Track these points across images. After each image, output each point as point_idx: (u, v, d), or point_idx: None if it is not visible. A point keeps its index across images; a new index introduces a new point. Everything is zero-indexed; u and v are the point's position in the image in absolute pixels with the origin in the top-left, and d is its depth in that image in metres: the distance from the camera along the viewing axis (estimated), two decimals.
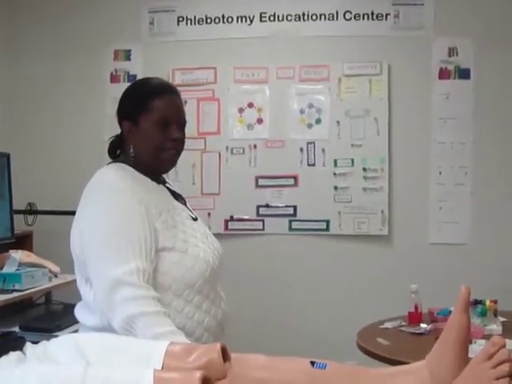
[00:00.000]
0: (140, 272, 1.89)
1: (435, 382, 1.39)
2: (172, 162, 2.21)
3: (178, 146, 2.18)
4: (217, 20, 4.63)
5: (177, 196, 2.27)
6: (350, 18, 4.53)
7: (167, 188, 2.26)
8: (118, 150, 2.24)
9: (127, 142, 2.17)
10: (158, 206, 2.06)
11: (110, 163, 2.19)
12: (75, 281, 2.14)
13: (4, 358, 1.39)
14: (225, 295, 2.23)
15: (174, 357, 1.40)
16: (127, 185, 2.05)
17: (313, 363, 1.41)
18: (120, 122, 2.19)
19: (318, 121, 4.54)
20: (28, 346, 1.50)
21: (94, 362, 1.35)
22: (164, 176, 2.31)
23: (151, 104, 2.12)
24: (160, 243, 2.01)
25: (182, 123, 2.19)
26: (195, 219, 2.23)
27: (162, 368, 1.37)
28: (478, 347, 2.33)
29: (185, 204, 2.29)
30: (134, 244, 1.93)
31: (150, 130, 2.11)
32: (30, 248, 4.14)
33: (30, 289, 3.28)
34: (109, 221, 1.98)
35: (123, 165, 2.14)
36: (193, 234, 2.11)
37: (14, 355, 1.42)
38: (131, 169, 2.13)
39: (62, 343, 1.48)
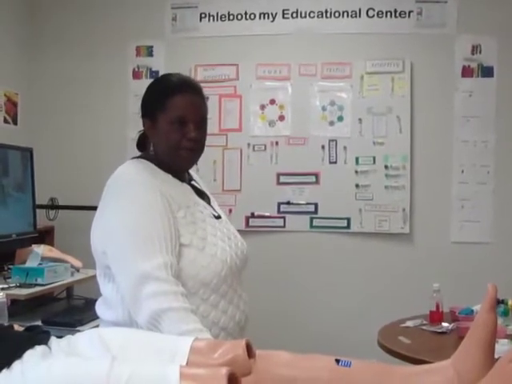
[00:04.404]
0: (168, 267, 1.87)
1: (461, 381, 1.37)
2: (189, 161, 2.18)
3: (195, 145, 2.13)
4: (239, 16, 4.63)
5: (201, 193, 2.24)
6: (373, 16, 4.52)
7: (192, 185, 2.23)
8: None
9: (148, 139, 2.18)
10: (177, 201, 2.04)
11: (131, 159, 2.18)
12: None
13: (30, 351, 1.39)
14: (247, 296, 2.17)
15: (198, 353, 1.40)
16: (147, 179, 2.04)
17: (338, 361, 1.41)
18: (142, 119, 2.18)
19: (340, 118, 4.53)
20: (53, 340, 1.50)
21: (119, 357, 1.34)
22: (192, 173, 2.30)
23: (167, 102, 2.09)
24: (179, 238, 1.99)
25: (199, 122, 2.13)
26: (218, 217, 2.19)
27: (187, 364, 1.36)
28: (500, 347, 2.31)
29: (209, 202, 2.26)
30: (160, 238, 1.91)
31: (166, 128, 2.09)
32: (51, 243, 4.17)
33: (52, 283, 3.28)
34: (133, 215, 1.96)
35: (144, 161, 2.13)
36: (212, 232, 2.08)
37: (39, 349, 1.42)
38: (152, 165, 2.12)
39: (86, 337, 1.48)
